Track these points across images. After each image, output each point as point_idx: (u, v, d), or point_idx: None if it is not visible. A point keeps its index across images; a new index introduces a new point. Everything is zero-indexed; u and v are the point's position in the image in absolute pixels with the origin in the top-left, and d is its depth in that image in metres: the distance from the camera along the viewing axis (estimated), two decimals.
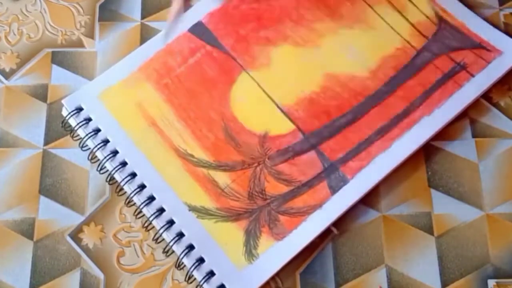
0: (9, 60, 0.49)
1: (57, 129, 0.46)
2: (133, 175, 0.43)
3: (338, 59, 0.47)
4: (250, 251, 0.41)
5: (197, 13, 0.48)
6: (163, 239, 0.42)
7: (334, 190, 0.42)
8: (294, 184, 0.42)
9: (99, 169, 0.43)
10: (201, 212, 0.42)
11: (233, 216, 0.42)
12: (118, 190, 0.44)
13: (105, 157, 0.43)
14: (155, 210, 0.42)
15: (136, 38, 0.49)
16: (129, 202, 0.42)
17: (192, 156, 0.44)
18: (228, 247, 0.41)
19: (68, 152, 0.46)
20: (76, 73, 0.48)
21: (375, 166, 0.43)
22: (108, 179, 0.43)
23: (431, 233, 0.43)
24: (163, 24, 0.49)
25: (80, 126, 0.44)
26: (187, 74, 0.46)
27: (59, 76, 0.48)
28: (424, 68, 0.46)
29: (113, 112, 0.45)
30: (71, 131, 0.45)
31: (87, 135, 0.44)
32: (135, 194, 0.42)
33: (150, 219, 0.42)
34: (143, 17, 0.50)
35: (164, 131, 0.44)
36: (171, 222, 0.42)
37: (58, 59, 0.49)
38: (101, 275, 0.42)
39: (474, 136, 0.45)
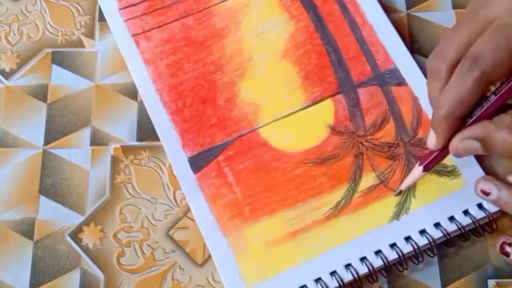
0: (9, 60, 0.49)
1: (57, 129, 0.46)
2: None
3: (269, 42, 0.48)
4: (448, 171, 0.42)
5: (178, 159, 0.44)
6: None
7: None
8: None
9: None
10: (402, 208, 0.42)
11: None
12: None
13: None
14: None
15: None
16: None
17: (338, 203, 0.42)
18: (441, 192, 0.42)
19: (68, 152, 0.46)
20: (76, 73, 0.48)
21: None
22: None
23: None
24: None
25: None
26: (245, 186, 0.43)
27: (59, 76, 0.48)
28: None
29: (271, 273, 0.41)
30: None
31: None
32: None
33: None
34: None
35: (304, 224, 0.42)
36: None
37: (58, 59, 0.49)
38: (101, 275, 0.42)
39: None
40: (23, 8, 0.51)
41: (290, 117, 0.45)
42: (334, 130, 0.44)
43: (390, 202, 0.42)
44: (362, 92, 0.45)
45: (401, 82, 0.45)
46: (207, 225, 0.42)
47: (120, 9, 0.49)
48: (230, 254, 0.41)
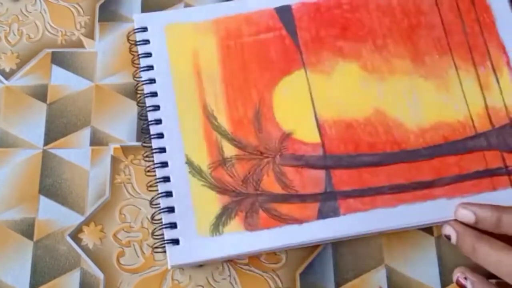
0: (9, 60, 0.49)
1: (57, 129, 0.46)
2: (159, 121, 0.44)
3: (396, 101, 0.45)
4: (217, 226, 0.41)
5: None
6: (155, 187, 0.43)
7: (322, 215, 0.42)
8: (289, 190, 0.42)
9: (136, 89, 0.46)
10: (195, 170, 0.43)
11: (221, 189, 0.42)
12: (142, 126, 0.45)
13: (144, 81, 0.45)
14: (160, 161, 0.43)
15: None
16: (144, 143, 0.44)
17: (215, 119, 0.44)
18: (200, 212, 0.42)
19: (68, 152, 0.46)
20: (76, 74, 0.48)
21: (371, 217, 0.41)
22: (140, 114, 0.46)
23: (431, 233, 0.43)
24: None
25: (138, 44, 0.47)
26: (252, 46, 0.46)
27: (59, 76, 0.48)
28: (472, 153, 0.43)
29: (170, 46, 0.46)
30: (130, 44, 0.48)
31: (139, 55, 0.46)
32: (154, 138, 0.44)
33: (155, 166, 0.43)
34: None
35: (204, 84, 0.45)
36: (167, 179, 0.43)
37: (58, 59, 0.49)
38: (101, 275, 0.42)
39: None
40: (23, 8, 0.51)
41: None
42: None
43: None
44: None
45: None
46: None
47: None
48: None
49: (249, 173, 0.43)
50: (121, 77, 0.48)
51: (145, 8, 0.50)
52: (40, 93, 0.48)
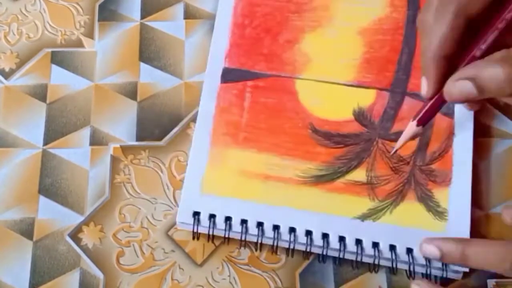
0: (8, 60, 0.49)
1: (57, 129, 0.46)
2: (276, 227, 0.41)
3: (356, 13, 0.47)
4: (437, 211, 0.41)
5: (217, 63, 0.47)
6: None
7: None
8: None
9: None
10: (372, 214, 0.42)
11: (399, 196, 0.42)
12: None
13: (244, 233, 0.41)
14: (321, 243, 0.41)
15: (136, 38, 0.49)
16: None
17: (320, 176, 0.43)
18: (418, 223, 0.41)
19: (68, 152, 0.46)
20: (75, 73, 0.48)
21: None
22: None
23: None
24: (162, 24, 0.50)
25: (212, 228, 0.41)
26: (254, 117, 0.45)
27: (58, 76, 0.48)
28: None
29: (226, 193, 0.42)
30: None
31: (225, 229, 0.41)
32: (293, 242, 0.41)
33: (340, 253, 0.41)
34: (142, 17, 0.50)
35: (281, 175, 0.43)
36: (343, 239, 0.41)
37: (57, 59, 0.49)
38: (100, 275, 0.42)
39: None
40: (22, 8, 0.51)
41: (331, 85, 0.46)
42: (360, 117, 0.45)
43: (366, 203, 0.42)
44: (408, 102, 0.45)
45: (448, 113, 0.44)
46: (202, 128, 0.44)
47: None
48: (204, 160, 0.43)
49: (389, 163, 0.43)
50: (121, 77, 0.48)
51: (145, 8, 0.50)
52: (40, 93, 0.48)
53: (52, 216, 0.44)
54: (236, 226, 0.41)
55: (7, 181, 0.45)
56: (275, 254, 0.42)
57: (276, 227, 0.41)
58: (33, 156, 0.45)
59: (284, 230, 0.41)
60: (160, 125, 0.46)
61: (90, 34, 0.50)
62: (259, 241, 0.41)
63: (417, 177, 0.43)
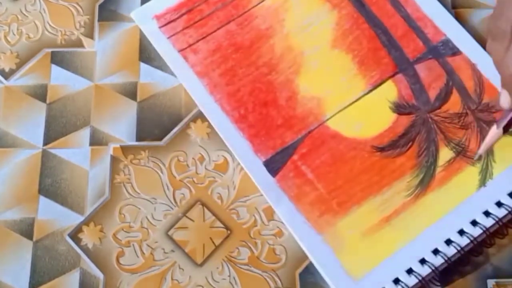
0: (8, 60, 0.49)
1: (57, 129, 0.46)
2: None
3: (315, 35, 0.48)
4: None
5: (254, 163, 0.44)
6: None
7: None
8: None
9: None
10: (485, 174, 0.42)
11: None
12: None
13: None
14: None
15: (136, 38, 0.49)
16: None
17: (421, 180, 0.42)
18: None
19: (68, 152, 0.46)
20: (75, 73, 0.48)
21: None
22: None
23: None
24: None
25: None
26: (325, 180, 0.43)
27: (58, 76, 0.48)
28: None
29: (375, 262, 0.41)
30: None
31: None
32: None
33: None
34: None
35: (395, 207, 0.42)
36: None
37: (57, 59, 0.49)
38: (100, 275, 0.42)
39: None
40: (22, 8, 0.51)
41: (355, 104, 0.45)
42: (401, 109, 0.45)
43: (473, 171, 0.42)
44: (420, 68, 0.46)
45: (455, 51, 0.46)
46: (299, 226, 0.42)
47: (160, 27, 0.49)
48: (328, 251, 0.41)
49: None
50: (120, 77, 0.48)
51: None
52: (40, 93, 0.48)
53: (52, 216, 0.44)
54: (406, 278, 0.39)
55: (7, 181, 0.45)
56: (275, 254, 0.42)
57: (436, 251, 0.40)
58: (33, 156, 0.45)
59: (443, 248, 0.40)
60: (160, 125, 0.46)
61: (90, 34, 0.50)
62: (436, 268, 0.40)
63: (483, 118, 0.44)
